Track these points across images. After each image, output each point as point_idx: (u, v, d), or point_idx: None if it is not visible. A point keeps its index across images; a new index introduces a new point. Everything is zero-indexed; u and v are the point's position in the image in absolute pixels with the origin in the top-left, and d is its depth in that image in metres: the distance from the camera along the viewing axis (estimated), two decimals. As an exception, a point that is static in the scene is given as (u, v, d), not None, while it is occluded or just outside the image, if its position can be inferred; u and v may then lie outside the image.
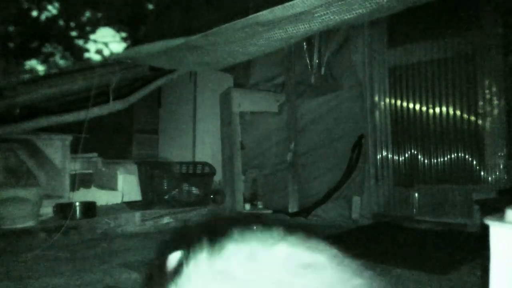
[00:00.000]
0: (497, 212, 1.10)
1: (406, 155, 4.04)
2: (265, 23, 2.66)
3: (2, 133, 3.57)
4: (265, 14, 2.50)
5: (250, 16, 2.53)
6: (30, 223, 3.29)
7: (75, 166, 4.13)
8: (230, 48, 3.34)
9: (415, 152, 3.98)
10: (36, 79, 4.08)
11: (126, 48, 6.92)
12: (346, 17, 2.68)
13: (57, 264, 2.44)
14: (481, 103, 3.59)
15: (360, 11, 2.59)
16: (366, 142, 4.26)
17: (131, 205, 4.06)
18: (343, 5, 2.47)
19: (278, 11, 2.43)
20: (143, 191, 4.21)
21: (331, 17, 2.63)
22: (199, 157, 4.70)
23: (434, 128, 3.86)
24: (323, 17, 2.62)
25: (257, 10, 2.48)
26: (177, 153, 4.92)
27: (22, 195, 3.32)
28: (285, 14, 2.50)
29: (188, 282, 0.75)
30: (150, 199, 4.08)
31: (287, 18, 2.59)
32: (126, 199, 4.29)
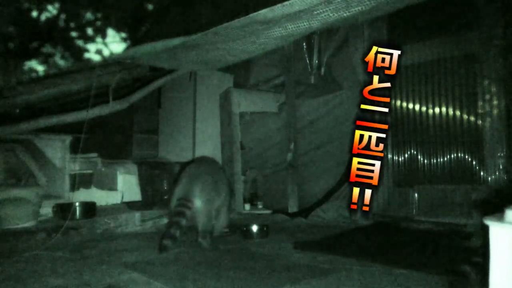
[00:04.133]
0: (497, 212, 1.10)
1: (406, 155, 4.04)
2: (264, 21, 2.66)
3: (2, 133, 3.57)
4: (265, 13, 2.50)
5: (250, 15, 2.54)
6: (30, 223, 3.29)
7: (75, 166, 4.13)
8: (230, 47, 3.34)
9: (415, 152, 3.98)
10: (36, 79, 4.09)
11: (126, 48, 6.92)
12: (345, 15, 2.69)
13: (57, 264, 2.44)
14: (481, 103, 3.59)
15: (359, 8, 2.59)
16: (366, 142, 4.25)
17: (131, 205, 4.06)
18: (342, 2, 2.47)
19: (277, 9, 2.44)
20: (143, 191, 4.20)
21: (330, 15, 2.63)
22: (199, 157, 4.69)
23: (434, 128, 3.85)
24: (323, 15, 2.62)
25: (257, 9, 2.48)
26: (177, 153, 4.92)
27: (22, 195, 3.32)
28: (285, 13, 2.50)
29: None
30: (150, 199, 4.08)
31: (287, 16, 2.60)
32: (126, 199, 4.29)
